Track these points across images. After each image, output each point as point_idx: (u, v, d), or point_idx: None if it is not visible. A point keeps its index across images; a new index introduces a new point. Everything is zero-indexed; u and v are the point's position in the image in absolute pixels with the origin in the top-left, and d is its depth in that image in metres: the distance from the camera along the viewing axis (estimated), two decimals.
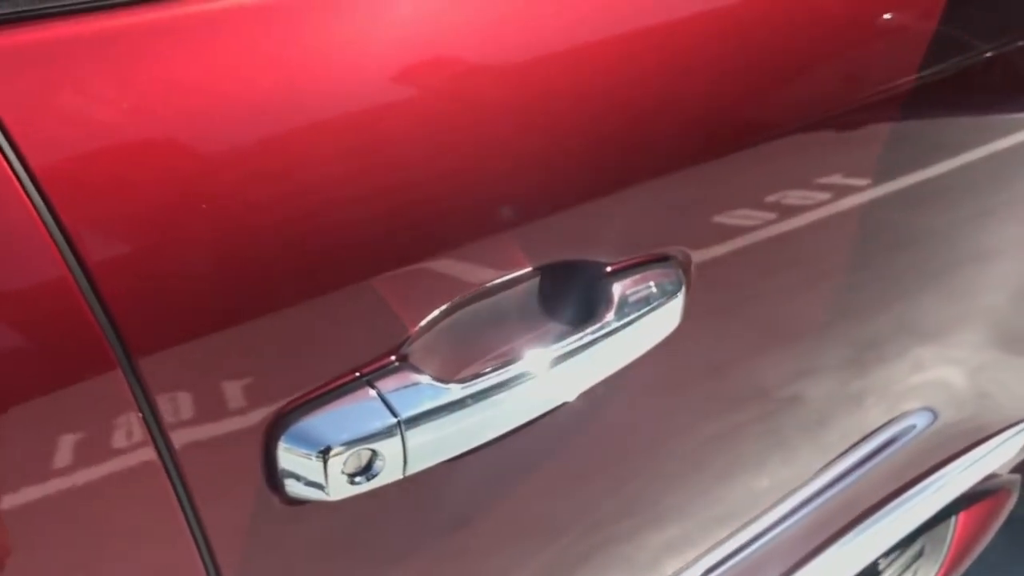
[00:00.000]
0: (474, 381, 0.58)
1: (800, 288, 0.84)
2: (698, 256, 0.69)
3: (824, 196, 0.77)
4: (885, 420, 1.08)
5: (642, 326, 0.63)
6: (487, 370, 0.59)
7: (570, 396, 0.64)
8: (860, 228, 0.83)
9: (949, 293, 1.02)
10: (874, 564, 1.22)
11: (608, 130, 0.60)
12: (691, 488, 0.90)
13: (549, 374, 0.60)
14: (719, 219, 0.70)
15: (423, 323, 0.57)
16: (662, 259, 0.66)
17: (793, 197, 0.74)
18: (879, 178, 0.80)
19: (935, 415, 1.12)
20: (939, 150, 0.85)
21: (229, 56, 0.51)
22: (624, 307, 0.63)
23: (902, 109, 0.78)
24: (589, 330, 0.62)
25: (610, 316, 0.62)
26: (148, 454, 0.50)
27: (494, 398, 0.58)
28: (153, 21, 0.50)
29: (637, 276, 0.64)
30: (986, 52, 0.82)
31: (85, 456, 0.48)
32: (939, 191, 0.88)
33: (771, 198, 0.72)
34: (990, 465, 1.21)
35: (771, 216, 0.73)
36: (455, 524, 0.69)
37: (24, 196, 0.45)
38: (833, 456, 1.04)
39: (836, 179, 0.77)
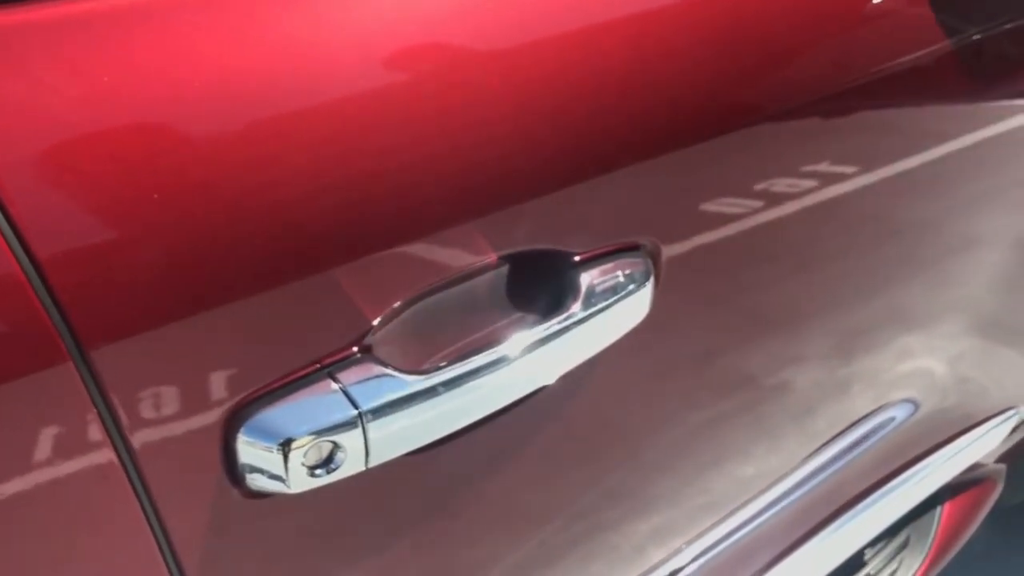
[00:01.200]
0: (437, 372, 0.57)
1: (785, 276, 0.84)
2: (683, 245, 0.68)
3: (807, 184, 0.76)
4: (872, 408, 1.08)
5: (610, 316, 0.63)
6: (451, 361, 0.58)
7: (535, 386, 0.63)
8: (845, 216, 0.82)
9: (935, 281, 1.02)
10: (860, 554, 1.22)
11: (578, 116, 0.60)
12: (677, 476, 0.89)
13: (514, 365, 0.60)
14: (705, 207, 0.69)
15: (386, 313, 0.56)
16: (631, 248, 0.65)
17: (778, 185, 0.74)
18: (863, 166, 0.80)
19: (919, 404, 1.12)
20: (925, 137, 0.84)
21: (189, 40, 0.50)
22: (592, 296, 0.62)
23: (886, 95, 0.77)
24: (556, 320, 0.61)
25: (577, 306, 0.62)
26: (104, 450, 0.49)
27: (458, 389, 0.58)
28: (110, 6, 0.49)
29: (606, 265, 0.63)
30: (973, 36, 0.81)
31: (39, 454, 0.47)
32: (924, 179, 0.87)
33: (758, 186, 0.72)
34: (975, 454, 1.20)
35: (758, 204, 0.73)
36: (429, 515, 0.68)
37: None
38: (819, 444, 1.04)
39: (820, 167, 0.76)
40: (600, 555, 0.87)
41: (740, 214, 0.72)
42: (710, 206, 0.70)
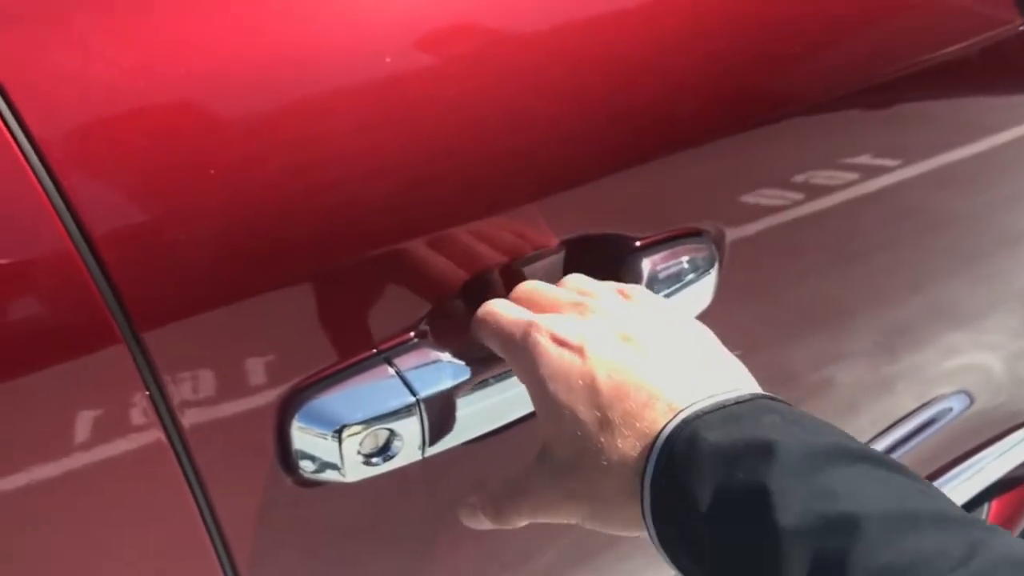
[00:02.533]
0: (495, 359, 0.55)
1: (831, 269, 0.82)
2: (731, 233, 0.67)
3: (855, 176, 0.75)
4: (917, 405, 1.06)
5: (674, 303, 0.61)
6: None
7: None
8: (892, 209, 0.81)
9: (983, 276, 1.00)
10: None
11: (638, 100, 0.58)
12: None
13: None
14: (747, 197, 0.68)
15: (442, 298, 0.55)
16: (694, 234, 0.63)
17: (821, 176, 0.72)
18: (910, 157, 0.78)
19: (970, 400, 1.10)
20: (971, 129, 0.83)
21: (242, 16, 0.49)
22: (654, 283, 0.60)
23: (935, 86, 0.75)
24: None
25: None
26: (156, 434, 0.48)
27: (515, 377, 0.56)
28: None
29: (668, 251, 0.62)
30: (1020, 26, 0.79)
31: (91, 436, 0.46)
32: (972, 171, 0.86)
33: (799, 177, 0.70)
34: None
35: (799, 196, 0.71)
36: None
37: (25, 165, 0.43)
38: (865, 441, 1.02)
39: (867, 159, 0.75)
40: (639, 551, 0.86)
41: (782, 206, 0.70)
42: (751, 198, 0.68)
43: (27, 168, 0.43)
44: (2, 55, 0.43)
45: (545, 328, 0.51)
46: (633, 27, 0.58)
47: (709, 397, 0.47)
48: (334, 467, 0.52)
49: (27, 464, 0.45)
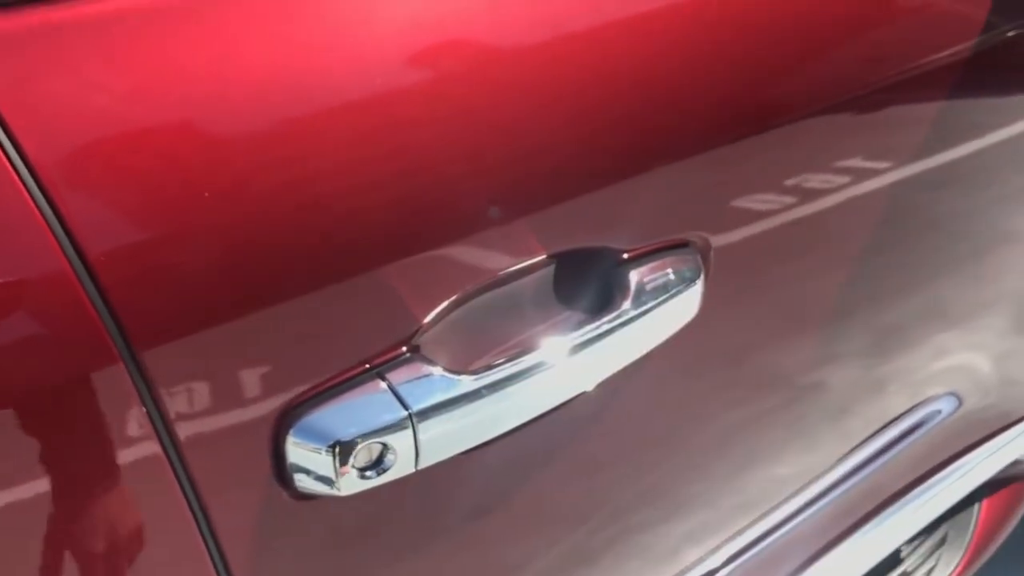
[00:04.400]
0: (487, 372, 0.56)
1: (821, 273, 0.83)
2: (717, 241, 0.68)
3: (844, 180, 0.76)
4: (908, 407, 1.07)
5: (660, 314, 0.62)
6: (500, 361, 0.58)
7: (586, 387, 0.63)
8: (881, 212, 0.82)
9: (972, 277, 1.01)
10: (896, 551, 1.21)
11: (623, 113, 0.59)
12: (712, 476, 0.89)
13: (564, 364, 0.59)
14: (739, 203, 0.68)
15: (434, 313, 0.56)
16: (680, 245, 0.64)
17: (814, 181, 0.73)
18: (899, 161, 0.79)
19: (959, 401, 1.11)
20: (960, 132, 0.84)
21: (232, 40, 0.50)
22: (641, 295, 0.61)
23: (922, 90, 0.76)
24: (605, 319, 0.61)
25: (627, 304, 0.61)
26: (153, 450, 0.49)
27: (507, 389, 0.57)
28: (153, 3, 0.48)
29: (655, 263, 0.63)
30: (1008, 31, 0.80)
31: (89, 452, 0.47)
32: (960, 174, 0.87)
33: (791, 181, 0.71)
34: (1015, 451, 1.19)
35: (791, 200, 0.72)
36: (470, 516, 0.68)
37: (22, 188, 0.44)
38: (856, 443, 1.03)
39: (856, 162, 0.76)
40: (635, 556, 0.87)
41: (775, 210, 0.71)
42: (744, 203, 0.69)
43: (23, 191, 0.44)
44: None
45: None
46: (617, 41, 0.59)
47: None
48: (328, 481, 0.53)
49: (26, 481, 0.45)
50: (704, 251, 0.66)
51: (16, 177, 0.44)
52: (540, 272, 0.60)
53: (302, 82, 0.50)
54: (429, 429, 0.54)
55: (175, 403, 0.48)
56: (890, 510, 1.10)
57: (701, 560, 0.95)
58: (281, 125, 0.49)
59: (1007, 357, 1.15)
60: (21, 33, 0.45)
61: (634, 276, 0.62)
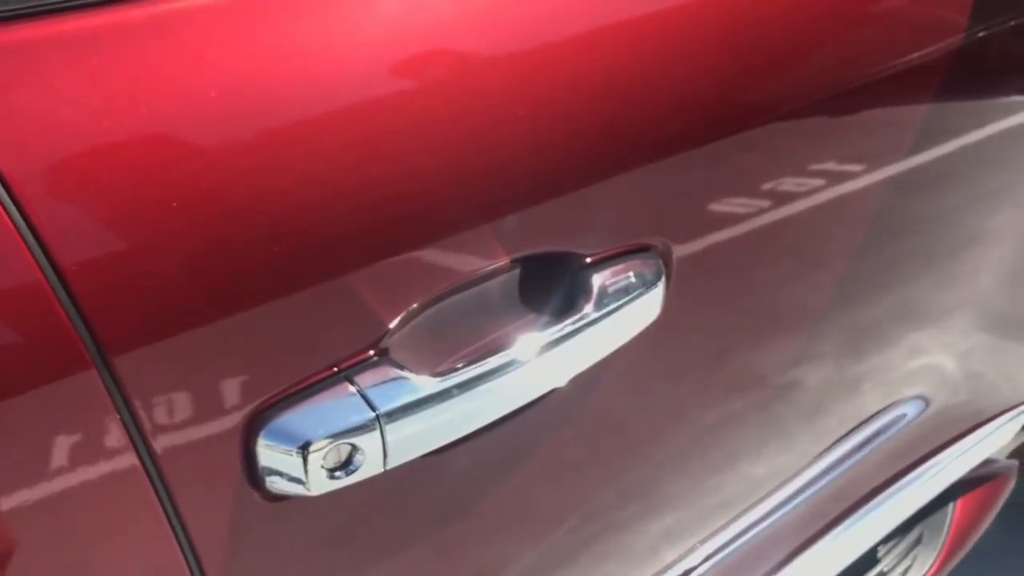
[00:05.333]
0: (453, 374, 0.58)
1: (794, 275, 0.84)
2: (691, 245, 0.69)
3: (817, 182, 0.76)
4: (882, 406, 1.07)
5: (622, 317, 0.63)
6: (466, 363, 0.59)
7: (549, 387, 0.64)
8: (853, 214, 0.83)
9: (944, 278, 1.02)
10: (872, 551, 1.22)
11: (587, 120, 0.60)
12: (688, 476, 0.89)
13: (528, 366, 0.60)
14: (713, 206, 0.69)
15: (401, 317, 0.57)
16: (642, 249, 0.66)
17: (787, 183, 0.74)
18: (873, 163, 0.80)
19: (930, 401, 1.12)
20: (932, 134, 0.84)
21: (203, 52, 0.51)
22: (604, 298, 0.63)
23: (893, 93, 0.77)
24: (568, 321, 0.62)
25: (589, 307, 0.62)
26: (127, 455, 0.50)
27: (473, 391, 0.58)
28: (124, 19, 0.50)
29: (617, 267, 0.64)
30: (979, 33, 0.81)
31: (63, 460, 0.48)
32: (932, 176, 0.87)
33: (766, 185, 0.72)
34: (987, 450, 1.20)
35: (765, 203, 0.73)
36: (446, 516, 0.69)
37: None
38: (830, 443, 1.04)
39: (828, 165, 0.76)
40: (613, 555, 0.88)
41: (748, 214, 0.72)
42: (718, 206, 0.70)
43: None
44: None
45: None
46: (584, 48, 0.60)
47: None
48: (299, 481, 0.54)
49: (0, 489, 0.46)
50: (666, 255, 0.67)
51: None
52: (505, 276, 0.61)
53: (269, 92, 0.51)
54: (396, 430, 0.55)
55: (147, 408, 0.49)
56: (865, 509, 1.10)
57: (679, 559, 0.96)
58: (249, 134, 0.50)
59: (978, 356, 1.16)
60: None
61: (597, 279, 0.63)
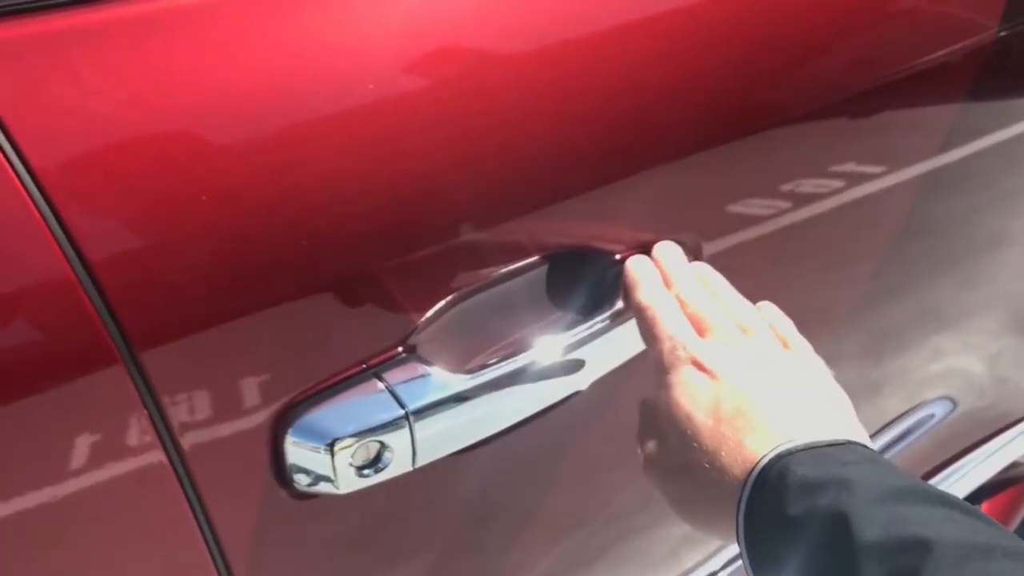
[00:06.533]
0: (482, 371, 0.57)
1: (816, 276, 0.83)
2: (714, 245, 0.68)
3: (838, 183, 0.76)
4: (904, 409, 1.07)
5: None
6: (496, 360, 0.58)
7: (580, 386, 0.63)
8: (876, 215, 0.82)
9: (967, 280, 1.01)
10: None
11: (617, 116, 0.60)
12: None
13: (558, 364, 0.60)
14: (734, 207, 0.69)
15: (430, 313, 0.56)
16: None
17: (808, 185, 0.73)
18: (894, 164, 0.79)
19: (955, 404, 1.11)
20: (955, 135, 0.84)
21: (229, 48, 0.50)
22: None
23: (917, 93, 0.77)
24: (598, 319, 0.61)
25: (620, 304, 0.62)
26: (154, 451, 0.49)
27: (503, 389, 0.58)
28: (151, 12, 0.49)
29: None
30: (1000, 33, 0.81)
31: (91, 455, 0.47)
32: (955, 177, 0.87)
33: (786, 186, 0.71)
34: (1012, 453, 1.19)
35: (786, 204, 0.72)
36: (468, 517, 0.68)
37: (24, 194, 0.44)
38: None
39: (850, 166, 0.76)
40: (633, 559, 0.87)
41: (768, 215, 0.72)
42: (737, 207, 0.69)
43: (26, 198, 0.44)
44: (1, 90, 0.45)
45: (692, 352, 0.56)
46: (611, 46, 0.60)
47: (808, 437, 0.50)
48: (327, 479, 0.54)
49: (28, 485, 0.46)
50: (695, 251, 0.67)
51: (19, 183, 0.44)
52: (534, 273, 0.61)
53: (298, 89, 0.51)
54: (425, 428, 0.55)
55: (175, 405, 0.49)
56: None
57: (699, 565, 0.95)
58: (278, 131, 0.50)
59: (1002, 358, 1.15)
60: (22, 41, 0.46)
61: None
